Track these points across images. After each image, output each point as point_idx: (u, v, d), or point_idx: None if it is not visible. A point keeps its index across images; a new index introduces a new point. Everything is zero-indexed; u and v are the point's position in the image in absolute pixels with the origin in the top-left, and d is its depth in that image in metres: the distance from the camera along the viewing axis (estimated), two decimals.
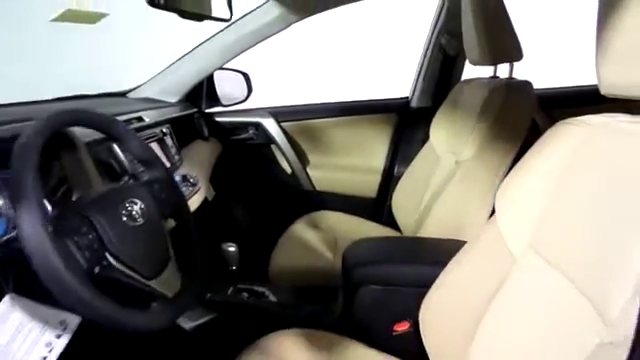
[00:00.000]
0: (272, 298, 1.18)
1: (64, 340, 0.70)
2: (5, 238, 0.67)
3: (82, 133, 0.88)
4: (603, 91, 0.68)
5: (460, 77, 1.74)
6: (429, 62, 1.72)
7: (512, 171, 0.86)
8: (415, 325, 1.02)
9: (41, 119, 0.66)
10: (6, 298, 0.65)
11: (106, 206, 0.69)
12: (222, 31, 1.60)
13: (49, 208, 0.62)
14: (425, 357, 0.97)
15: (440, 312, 0.97)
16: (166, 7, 0.93)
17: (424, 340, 0.97)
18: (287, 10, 1.53)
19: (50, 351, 0.69)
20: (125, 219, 0.70)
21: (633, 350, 0.46)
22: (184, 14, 1.00)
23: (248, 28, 1.57)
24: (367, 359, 1.01)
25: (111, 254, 0.65)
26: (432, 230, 1.28)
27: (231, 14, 1.10)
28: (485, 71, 1.46)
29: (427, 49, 1.73)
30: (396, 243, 1.27)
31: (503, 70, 1.40)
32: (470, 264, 0.92)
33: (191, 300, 0.78)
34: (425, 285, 0.97)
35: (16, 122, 0.76)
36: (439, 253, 1.01)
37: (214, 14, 1.06)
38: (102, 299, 0.60)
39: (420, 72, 1.77)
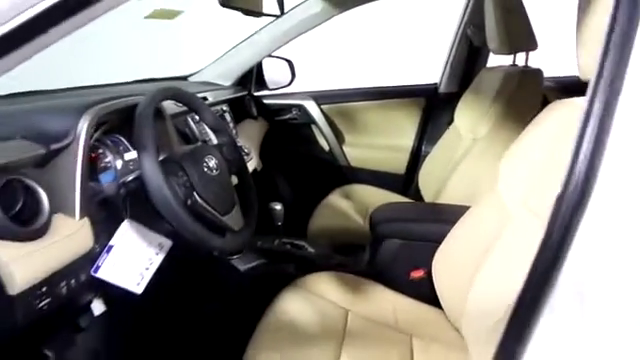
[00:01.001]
0: (310, 250, 1.42)
1: (160, 257, 0.96)
2: (122, 181, 0.93)
3: (167, 106, 1.13)
4: (582, 77, 0.84)
5: (484, 65, 1.89)
6: (456, 51, 1.88)
7: (514, 143, 1.04)
8: (428, 273, 1.22)
9: (149, 94, 0.91)
10: (125, 222, 0.90)
11: (193, 159, 0.93)
12: (271, 23, 1.83)
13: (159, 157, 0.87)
14: (435, 299, 1.17)
15: (448, 262, 1.16)
16: (233, 7, 1.16)
17: (435, 285, 1.18)
18: (328, 4, 1.74)
19: (151, 264, 0.95)
20: (206, 170, 0.94)
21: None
22: (247, 12, 1.23)
23: (293, 21, 1.79)
24: (387, 299, 1.23)
25: (197, 193, 0.90)
26: (449, 198, 1.48)
27: (282, 11, 1.33)
28: (507, 60, 1.62)
29: (455, 40, 1.89)
30: (415, 206, 1.47)
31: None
32: (473, 222, 1.11)
33: (251, 235, 1.02)
34: (437, 240, 1.17)
35: (124, 97, 1.01)
36: (451, 215, 1.20)
37: (269, 11, 1.29)
38: (193, 221, 0.84)
39: (448, 61, 1.94)
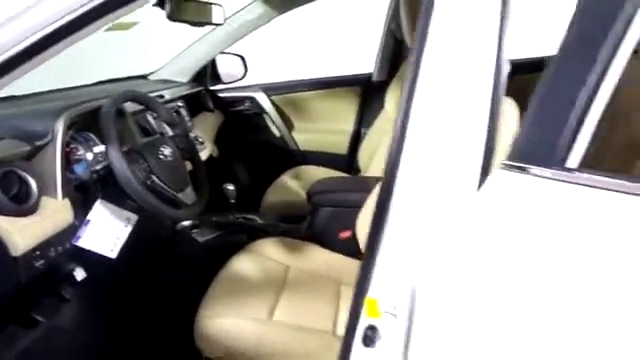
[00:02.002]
0: (259, 221, 1.68)
1: (129, 228, 1.19)
2: (93, 169, 1.16)
3: (128, 106, 1.36)
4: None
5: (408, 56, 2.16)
6: (385, 44, 2.14)
7: None
8: (354, 233, 1.49)
9: (111, 98, 1.14)
10: (98, 201, 1.14)
11: (151, 148, 1.17)
12: (221, 25, 2.04)
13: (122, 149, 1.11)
14: (360, 253, 1.43)
15: (364, 222, 1.43)
16: (181, 20, 1.38)
17: (359, 242, 1.45)
18: (270, 7, 1.97)
19: (121, 234, 1.19)
20: (161, 157, 1.18)
21: None
22: (193, 23, 1.45)
23: (240, 21, 2.01)
24: (321, 256, 1.50)
25: (155, 175, 1.14)
26: (377, 171, 1.75)
27: (224, 20, 1.55)
28: None
29: (383, 34, 2.15)
30: (344, 179, 1.75)
31: None
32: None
33: (201, 208, 1.27)
34: (360, 206, 1.43)
35: (91, 100, 1.23)
36: (372, 184, 1.46)
37: (213, 20, 1.51)
38: (152, 197, 1.09)
39: (379, 53, 2.20)
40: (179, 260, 1.60)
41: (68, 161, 1.11)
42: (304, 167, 2.21)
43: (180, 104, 1.78)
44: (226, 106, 2.28)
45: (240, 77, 2.23)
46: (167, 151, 1.20)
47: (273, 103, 2.29)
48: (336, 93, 2.27)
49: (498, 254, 0.62)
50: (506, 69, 0.72)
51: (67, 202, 1.05)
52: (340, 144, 2.29)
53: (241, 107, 2.30)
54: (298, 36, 3.15)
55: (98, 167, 1.13)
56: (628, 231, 0.52)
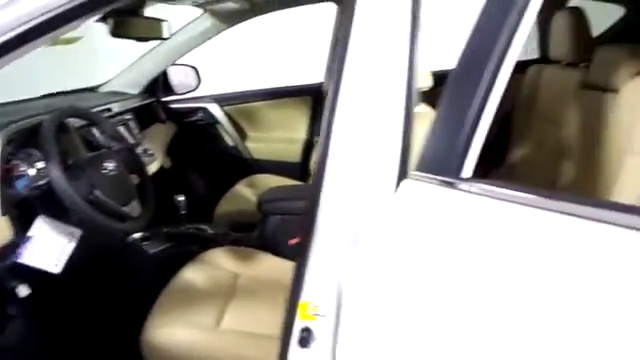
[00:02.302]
0: (210, 231, 1.70)
1: (73, 243, 1.20)
2: (34, 185, 1.16)
3: (73, 121, 1.36)
4: None
5: None
6: (333, 54, 2.22)
7: None
8: None
9: (51, 115, 1.15)
10: (39, 217, 1.14)
11: (95, 163, 1.18)
12: (170, 38, 2.06)
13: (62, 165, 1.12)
14: None
15: None
16: (125, 36, 1.40)
17: None
18: (219, 20, 2.00)
19: (65, 249, 1.19)
20: (104, 171, 1.20)
21: None
22: (137, 38, 1.47)
23: (190, 34, 2.04)
24: (272, 263, 1.54)
25: (98, 189, 1.15)
26: None
27: (169, 34, 1.58)
28: None
29: (331, 44, 2.23)
30: (293, 187, 1.80)
31: None
32: None
33: (148, 220, 1.29)
34: None
35: (33, 116, 1.23)
36: None
37: (157, 35, 1.54)
38: (95, 212, 1.10)
39: (328, 62, 2.27)
40: (129, 272, 1.61)
41: (9, 177, 1.11)
42: (258, 176, 2.24)
43: (128, 117, 1.78)
44: (179, 117, 2.29)
45: (194, 88, 2.25)
46: (111, 165, 1.22)
47: (226, 113, 2.32)
48: (288, 103, 2.33)
49: (409, 256, 0.68)
50: (420, 80, 0.78)
51: (6, 219, 1.05)
52: (293, 152, 2.34)
53: (194, 118, 2.32)
54: (250, 48, 3.21)
55: (41, 182, 1.14)
56: (508, 235, 0.59)
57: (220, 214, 1.92)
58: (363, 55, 0.78)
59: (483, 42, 0.64)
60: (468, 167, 0.63)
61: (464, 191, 0.62)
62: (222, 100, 2.32)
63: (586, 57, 1.66)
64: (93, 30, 1.49)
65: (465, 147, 0.62)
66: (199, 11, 1.99)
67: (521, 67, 2.16)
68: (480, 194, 0.61)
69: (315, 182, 0.82)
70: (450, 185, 0.64)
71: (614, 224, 0.52)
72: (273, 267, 1.52)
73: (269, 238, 1.60)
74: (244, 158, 2.36)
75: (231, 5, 1.72)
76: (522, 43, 0.63)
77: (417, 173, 0.70)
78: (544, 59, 2.12)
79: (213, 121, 2.31)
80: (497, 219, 0.60)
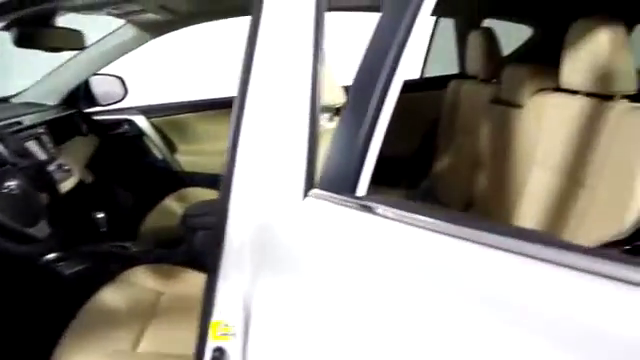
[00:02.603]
0: (133, 249, 1.64)
1: None
2: None
3: None
4: None
5: None
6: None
7: None
8: None
9: None
10: None
11: None
12: (90, 47, 1.97)
13: None
14: None
15: None
16: (31, 46, 1.32)
17: None
18: (142, 30, 1.95)
19: None
20: (6, 190, 1.12)
21: None
22: (48, 48, 1.39)
23: (112, 44, 1.96)
24: (197, 281, 1.49)
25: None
26: None
27: (84, 45, 1.51)
28: None
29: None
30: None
31: None
32: None
33: (58, 241, 1.22)
34: None
35: None
36: None
37: (70, 46, 1.47)
38: None
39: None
40: (41, 296, 1.51)
41: None
42: (189, 189, 2.19)
43: (41, 130, 1.68)
44: (103, 129, 2.20)
45: (120, 99, 2.16)
46: (13, 184, 1.14)
47: (153, 125, 2.25)
48: (218, 115, 2.30)
49: (306, 273, 0.69)
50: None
51: None
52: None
53: (119, 130, 2.23)
54: (177, 59, 3.15)
55: None
56: (391, 254, 0.59)
57: (146, 230, 1.86)
58: (267, 69, 0.78)
59: (373, 60, 0.67)
60: (362, 185, 0.65)
61: (356, 209, 0.64)
62: (149, 112, 2.25)
63: (496, 74, 1.77)
64: (4, 36, 1.41)
65: (359, 165, 0.64)
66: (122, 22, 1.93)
67: (443, 81, 2.27)
68: (374, 213, 0.63)
69: (222, 195, 0.81)
70: (345, 203, 0.65)
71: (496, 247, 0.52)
72: (199, 284, 1.47)
73: (195, 254, 1.56)
74: (174, 171, 2.30)
75: (151, 16, 1.68)
76: (410, 63, 0.66)
77: (317, 191, 0.71)
78: (462, 74, 2.24)
79: (140, 133, 2.24)
80: (386, 239, 0.61)
